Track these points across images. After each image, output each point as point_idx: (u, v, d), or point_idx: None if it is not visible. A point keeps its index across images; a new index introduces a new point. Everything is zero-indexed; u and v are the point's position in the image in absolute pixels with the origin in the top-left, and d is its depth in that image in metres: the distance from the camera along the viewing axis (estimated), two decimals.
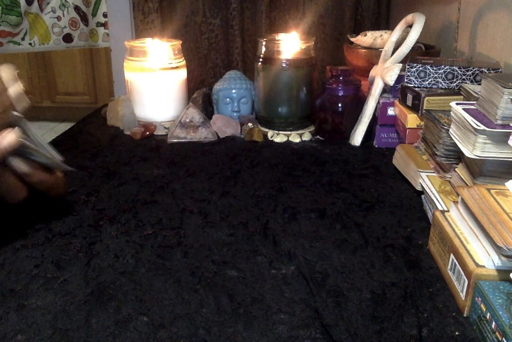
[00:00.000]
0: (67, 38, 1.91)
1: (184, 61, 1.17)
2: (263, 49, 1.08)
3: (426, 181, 0.73)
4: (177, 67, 1.13)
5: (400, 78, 0.96)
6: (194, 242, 0.64)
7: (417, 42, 0.99)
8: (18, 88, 0.61)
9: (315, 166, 0.91)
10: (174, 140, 1.05)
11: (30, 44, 1.86)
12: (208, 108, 1.18)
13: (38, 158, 0.60)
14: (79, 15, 1.88)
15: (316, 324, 0.48)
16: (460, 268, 0.51)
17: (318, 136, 1.08)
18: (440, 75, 0.88)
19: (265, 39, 1.08)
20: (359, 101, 1.05)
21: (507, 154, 0.61)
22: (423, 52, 1.10)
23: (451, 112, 0.70)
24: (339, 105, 1.04)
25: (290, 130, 1.08)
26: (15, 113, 0.59)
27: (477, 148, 0.61)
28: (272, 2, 1.50)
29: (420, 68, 0.88)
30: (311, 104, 1.09)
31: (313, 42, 1.09)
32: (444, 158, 0.73)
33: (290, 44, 1.06)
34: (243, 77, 1.16)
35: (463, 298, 0.50)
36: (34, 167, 0.59)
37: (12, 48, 1.83)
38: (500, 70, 0.85)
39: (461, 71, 0.87)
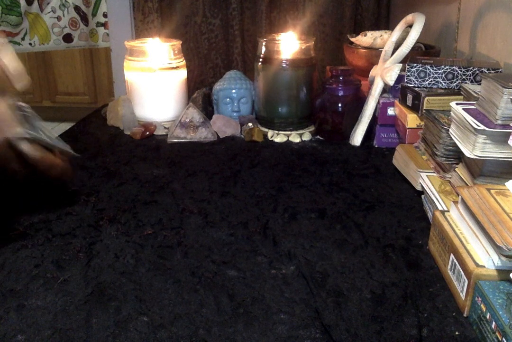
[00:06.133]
0: (67, 38, 1.91)
1: (184, 61, 1.17)
2: (263, 49, 1.07)
3: (426, 181, 0.73)
4: (177, 67, 1.13)
5: (400, 78, 0.95)
6: (194, 242, 0.64)
7: (417, 42, 0.99)
8: (17, 66, 0.61)
9: (315, 166, 0.91)
10: (174, 140, 1.05)
11: (30, 44, 1.86)
12: (208, 108, 1.18)
13: (41, 139, 0.62)
14: (79, 15, 1.88)
15: (316, 324, 0.48)
16: (460, 268, 0.51)
17: (318, 136, 1.08)
18: (440, 75, 0.88)
19: (265, 39, 1.08)
20: (359, 101, 1.05)
21: (507, 154, 0.61)
22: (423, 52, 1.10)
23: (451, 112, 0.70)
24: (339, 105, 1.04)
25: (290, 130, 1.08)
26: (20, 103, 0.60)
27: (477, 148, 0.61)
28: (272, 2, 1.50)
29: (420, 68, 0.88)
30: (311, 104, 1.09)
31: (313, 42, 1.09)
32: (444, 158, 0.73)
33: (290, 44, 1.06)
34: (243, 77, 1.16)
35: (463, 298, 0.50)
36: (44, 152, 0.61)
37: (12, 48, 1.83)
38: (500, 70, 0.85)
39: (461, 71, 0.86)
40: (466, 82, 0.87)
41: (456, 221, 0.58)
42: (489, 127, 0.61)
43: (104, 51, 2.84)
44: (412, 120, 0.88)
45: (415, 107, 0.88)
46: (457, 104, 0.69)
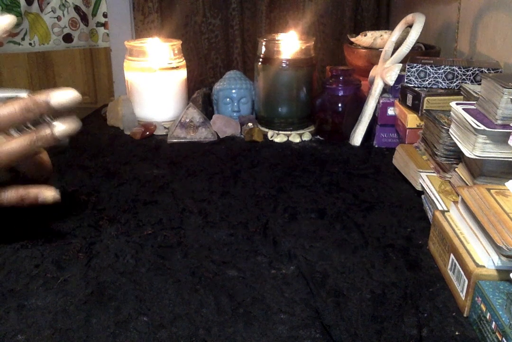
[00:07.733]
0: (67, 38, 1.91)
1: (184, 61, 1.17)
2: (263, 49, 1.07)
3: (426, 181, 0.73)
4: (177, 67, 1.13)
5: (400, 78, 0.95)
6: (194, 242, 0.64)
7: (417, 42, 0.99)
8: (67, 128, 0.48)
9: (315, 166, 0.91)
10: (174, 140, 1.05)
11: (30, 44, 1.86)
12: (208, 108, 1.18)
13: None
14: (79, 15, 1.88)
15: (316, 324, 0.48)
16: (460, 268, 0.51)
17: (318, 136, 1.08)
18: (440, 75, 0.88)
19: (265, 39, 1.08)
20: (359, 101, 1.05)
21: (507, 154, 0.61)
22: (423, 52, 1.10)
23: (451, 112, 0.70)
24: (339, 105, 1.04)
25: (290, 130, 1.08)
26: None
27: (477, 148, 0.61)
28: (272, 2, 1.50)
29: (420, 68, 0.88)
30: (311, 104, 1.09)
31: (313, 42, 1.09)
32: (444, 158, 0.73)
33: (290, 44, 1.06)
34: (243, 77, 1.16)
35: (463, 298, 0.50)
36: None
37: (12, 48, 1.83)
38: (500, 70, 0.85)
39: (461, 71, 0.87)
40: (466, 82, 0.87)
41: (456, 221, 0.58)
42: (489, 127, 0.61)
43: (104, 51, 2.84)
44: (412, 120, 0.88)
45: (415, 107, 0.88)
46: (457, 104, 0.69)
